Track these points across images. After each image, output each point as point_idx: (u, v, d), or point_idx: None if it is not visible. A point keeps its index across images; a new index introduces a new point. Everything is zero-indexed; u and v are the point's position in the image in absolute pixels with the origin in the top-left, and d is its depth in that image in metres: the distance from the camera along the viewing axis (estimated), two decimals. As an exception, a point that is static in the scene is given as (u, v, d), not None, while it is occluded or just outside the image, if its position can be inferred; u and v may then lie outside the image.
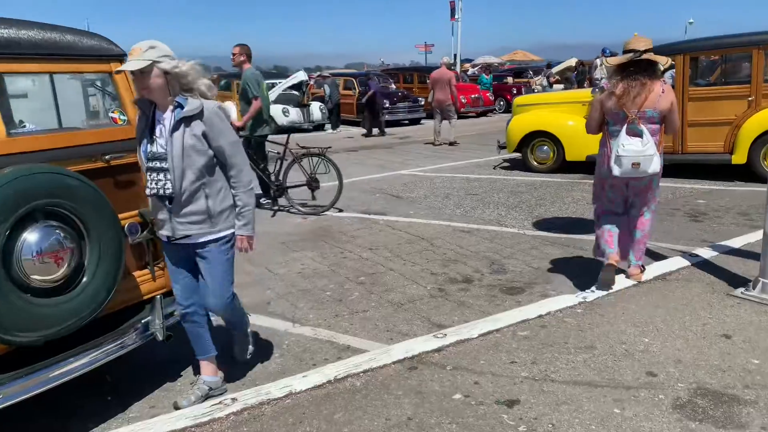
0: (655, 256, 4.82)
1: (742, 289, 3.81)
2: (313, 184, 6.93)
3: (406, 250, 5.35)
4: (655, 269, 4.41)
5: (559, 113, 8.82)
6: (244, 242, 2.80)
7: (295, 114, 17.31)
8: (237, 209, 2.75)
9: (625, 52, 3.85)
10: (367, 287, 4.43)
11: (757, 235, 5.06)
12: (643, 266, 4.25)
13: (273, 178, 7.05)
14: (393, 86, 20.21)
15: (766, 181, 7.33)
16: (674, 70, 7.84)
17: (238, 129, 6.76)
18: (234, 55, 6.91)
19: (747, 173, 7.46)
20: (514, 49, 39.29)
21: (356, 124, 18.90)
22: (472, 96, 19.79)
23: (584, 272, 4.53)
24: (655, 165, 3.81)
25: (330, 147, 7.00)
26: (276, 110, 17.30)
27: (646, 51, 3.75)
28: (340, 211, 6.88)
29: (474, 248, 5.34)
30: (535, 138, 8.87)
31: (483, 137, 13.74)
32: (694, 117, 7.70)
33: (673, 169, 8.08)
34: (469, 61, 36.72)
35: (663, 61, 3.85)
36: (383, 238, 5.74)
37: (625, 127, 3.80)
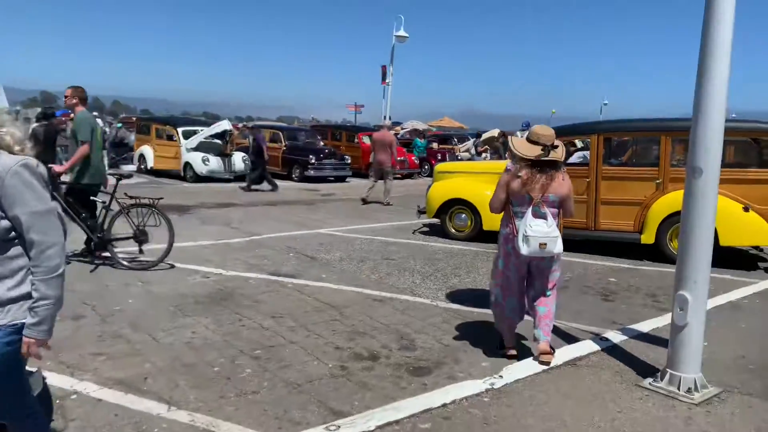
0: (567, 337, 4.70)
1: (650, 380, 3.70)
2: (140, 237, 6.40)
3: (313, 319, 4.99)
4: (566, 353, 4.26)
5: (478, 182, 8.86)
6: (31, 347, 2.10)
7: (215, 163, 16.80)
8: (31, 302, 2.08)
9: (530, 141, 4.01)
10: (261, 363, 4.02)
11: (665, 319, 5.08)
12: (552, 347, 4.12)
13: (97, 229, 6.47)
14: (321, 142, 20.14)
15: (675, 263, 7.67)
16: (586, 151, 8.10)
17: (59, 175, 6.31)
18: (66, 97, 6.63)
19: (655, 253, 7.67)
20: (442, 116, 40.61)
21: (281, 177, 18.59)
22: (398, 158, 19.96)
23: (494, 351, 4.32)
24: (559, 246, 3.97)
25: (161, 198, 6.52)
26: (196, 158, 16.77)
27: (553, 147, 3.97)
28: (172, 267, 6.41)
29: (385, 320, 5.05)
30: (453, 205, 8.85)
31: (406, 199, 13.73)
32: (606, 195, 7.91)
33: (586, 245, 8.24)
34: (397, 124, 37.57)
35: (561, 156, 4.02)
36: (289, 305, 5.35)
37: (530, 209, 3.92)
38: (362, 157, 20.57)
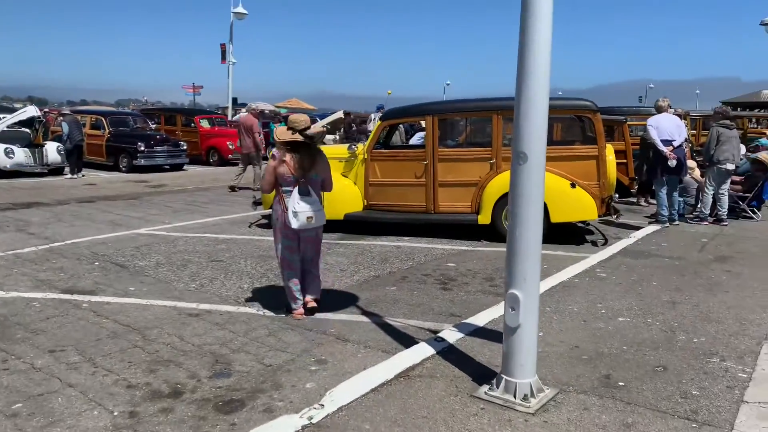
0: (403, 339, 4.30)
1: (486, 388, 3.38)
2: None
3: (105, 349, 4.10)
4: (399, 362, 3.84)
5: (316, 169, 8.29)
6: None
7: (22, 155, 14.57)
8: None
9: (289, 128, 4.56)
10: (19, 422, 3.11)
11: (501, 309, 4.87)
12: (317, 299, 4.86)
13: None
14: (151, 128, 18.35)
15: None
16: (424, 132, 7.85)
17: None
18: None
19: (493, 233, 7.64)
20: (290, 97, 39.43)
21: (107, 167, 16.68)
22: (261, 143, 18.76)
23: (322, 367, 3.79)
24: (323, 218, 4.66)
25: None
26: (-5, 150, 14.39)
27: (303, 130, 4.50)
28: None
29: (198, 340, 4.31)
30: (291, 194, 8.19)
31: (248, 190, 12.83)
32: (443, 177, 7.73)
33: (427, 229, 8.03)
34: (244, 105, 35.86)
35: (317, 131, 4.57)
36: (78, 333, 4.39)
37: (296, 188, 4.53)
38: (201, 142, 19.12)
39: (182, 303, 5.11)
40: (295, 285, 4.81)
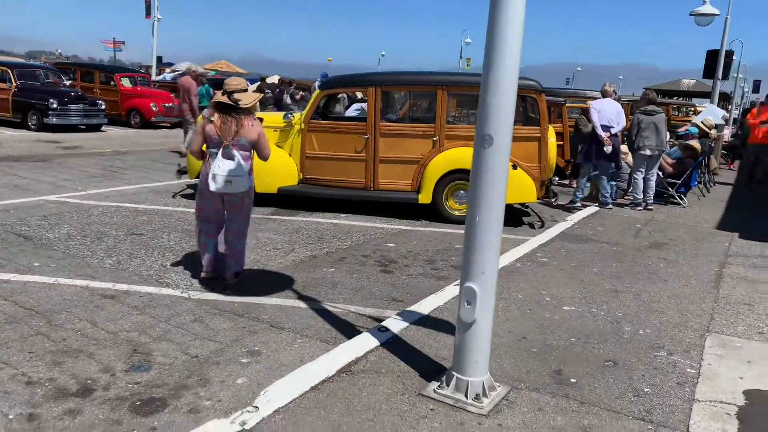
0: (344, 328, 4.00)
1: (435, 385, 3.14)
2: None
3: (2, 337, 3.57)
4: (341, 355, 3.54)
5: (249, 137, 7.76)
6: None
7: None
8: None
9: (224, 91, 4.45)
10: None
11: (445, 295, 4.68)
12: (237, 272, 4.79)
13: None
14: (65, 83, 16.90)
15: (450, 222, 7.56)
16: (365, 104, 7.48)
17: None
18: None
19: (433, 213, 7.44)
20: (219, 59, 37.69)
21: (13, 124, 15.26)
22: (165, 105, 17.68)
23: (255, 359, 3.45)
24: (244, 184, 4.52)
25: None
26: None
27: (233, 93, 4.41)
28: None
29: (114, 326, 3.84)
30: (221, 164, 7.62)
31: (173, 155, 12.03)
32: (384, 153, 7.41)
33: (366, 207, 7.72)
34: (169, 65, 33.93)
35: (248, 103, 4.46)
36: (-32, 316, 3.81)
37: (220, 150, 4.42)
38: (121, 102, 17.85)
39: (96, 282, 4.58)
40: (206, 253, 4.78)
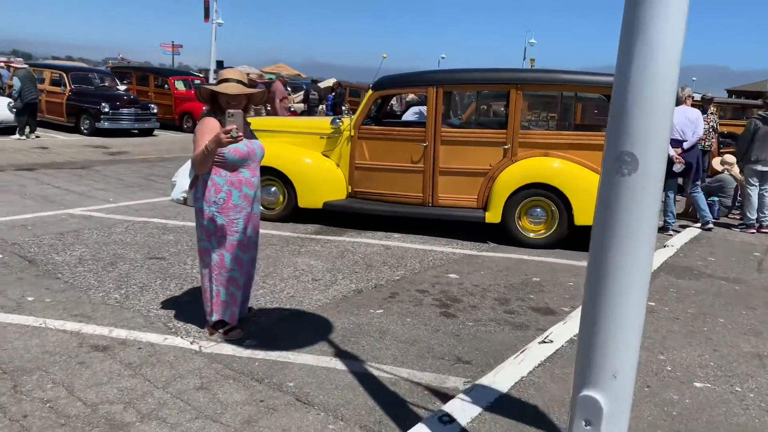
0: (393, 406, 2.96)
1: None
2: None
3: (-55, 411, 2.73)
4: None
5: (293, 145, 6.86)
6: None
7: (-36, 111, 12.87)
8: None
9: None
10: None
11: (528, 359, 3.55)
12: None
13: None
14: (120, 87, 16.64)
15: (524, 245, 6.37)
16: (425, 106, 6.43)
17: None
18: None
19: (502, 233, 6.31)
20: (278, 62, 37.47)
21: (67, 129, 15.06)
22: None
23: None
24: (175, 192, 3.68)
25: None
26: (-65, 105, 12.72)
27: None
28: None
29: (95, 395, 2.94)
30: (262, 175, 6.72)
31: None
32: (446, 163, 6.33)
33: (424, 226, 6.67)
34: (227, 68, 33.89)
35: None
36: None
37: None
38: (175, 105, 17.48)
39: (90, 326, 3.72)
40: (234, 303, 3.71)
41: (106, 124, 14.63)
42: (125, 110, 15.05)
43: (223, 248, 3.57)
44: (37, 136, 13.36)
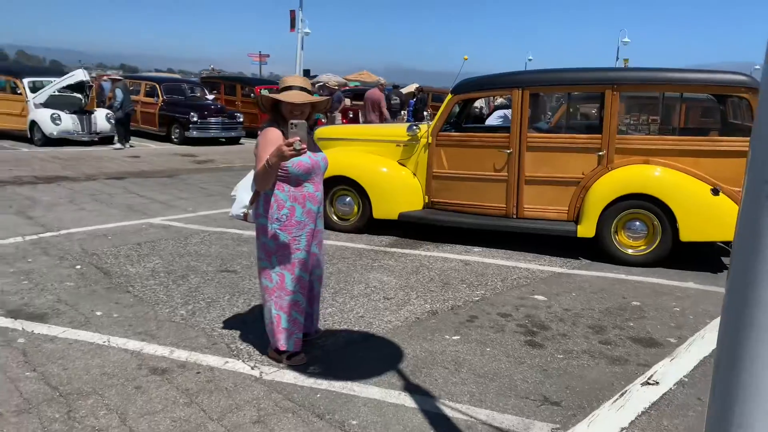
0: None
1: None
2: None
3: (-4, 437, 2.63)
4: None
5: (368, 153, 6.59)
6: None
7: (69, 121, 13.66)
8: None
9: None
10: None
11: (629, 403, 3.04)
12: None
13: None
14: (209, 97, 17.18)
15: (621, 263, 5.71)
16: (510, 110, 5.96)
17: None
18: None
19: (595, 249, 5.72)
20: (361, 69, 37.78)
21: (159, 138, 15.70)
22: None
23: None
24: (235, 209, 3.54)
25: None
26: (44, 116, 13.55)
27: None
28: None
29: (147, 425, 2.76)
30: (336, 185, 6.53)
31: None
32: (532, 172, 5.83)
33: (507, 239, 6.20)
34: (312, 76, 34.51)
35: None
36: (-23, 397, 2.94)
37: None
38: (260, 114, 17.80)
39: (152, 345, 3.58)
40: (298, 328, 3.44)
41: (194, 133, 15.11)
42: (213, 119, 15.49)
43: (284, 268, 3.32)
44: (131, 146, 13.97)
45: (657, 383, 3.24)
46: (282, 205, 3.28)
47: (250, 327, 3.90)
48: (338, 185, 6.50)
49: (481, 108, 16.04)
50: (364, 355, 3.60)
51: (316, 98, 3.38)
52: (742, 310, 1.38)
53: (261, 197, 3.34)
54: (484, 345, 3.77)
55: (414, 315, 4.24)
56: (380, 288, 4.78)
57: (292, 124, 3.03)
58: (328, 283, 4.77)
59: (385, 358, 3.54)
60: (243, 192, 3.45)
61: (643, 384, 3.24)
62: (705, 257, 5.88)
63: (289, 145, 2.98)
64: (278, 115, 3.32)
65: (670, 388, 3.21)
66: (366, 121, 12.10)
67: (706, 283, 5.10)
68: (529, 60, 49.85)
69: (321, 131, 7.27)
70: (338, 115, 14.93)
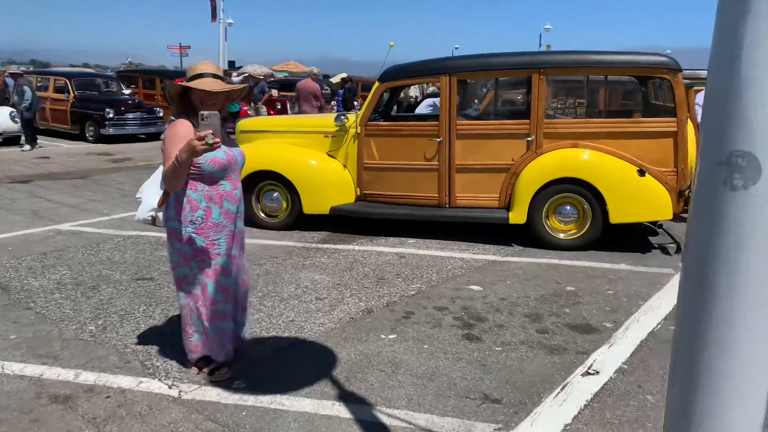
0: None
1: None
2: None
3: None
4: None
5: (296, 147, 6.29)
6: None
7: (-34, 123, 12.53)
8: None
9: None
10: None
11: (571, 396, 2.95)
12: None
13: None
14: (126, 92, 16.23)
15: (553, 247, 5.73)
16: (438, 98, 5.81)
17: None
18: None
19: (527, 235, 5.69)
20: (289, 60, 36.96)
21: (72, 137, 14.69)
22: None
23: None
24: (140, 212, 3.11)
25: None
26: (-63, 116, 12.40)
27: None
28: None
29: (45, 463, 2.41)
30: (261, 180, 6.19)
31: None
32: (463, 160, 5.72)
33: (441, 229, 6.07)
34: (238, 68, 33.51)
35: None
36: None
37: None
38: (167, 107, 17.04)
39: (54, 369, 3.20)
40: (225, 338, 3.16)
41: (111, 130, 14.21)
42: (130, 115, 14.61)
43: (204, 275, 3.01)
44: (39, 146, 12.98)
45: (597, 372, 3.17)
46: (196, 206, 2.96)
47: (168, 341, 3.57)
48: (265, 180, 6.17)
49: (416, 97, 15.92)
50: (295, 363, 3.35)
51: (232, 86, 3.08)
52: (700, 302, 1.24)
53: (171, 198, 3.00)
54: (422, 342, 3.61)
55: (348, 315, 4.02)
56: (312, 288, 4.53)
57: (202, 115, 2.72)
58: (255, 286, 4.48)
59: (317, 365, 3.31)
60: (149, 193, 3.09)
61: (583, 374, 3.16)
62: (634, 238, 5.97)
63: (201, 138, 2.66)
64: (188, 106, 2.99)
65: (611, 377, 3.14)
66: (300, 113, 11.67)
67: (637, 264, 5.15)
68: (456, 48, 50.47)
69: (244, 123, 6.90)
70: (263, 107, 14.32)
